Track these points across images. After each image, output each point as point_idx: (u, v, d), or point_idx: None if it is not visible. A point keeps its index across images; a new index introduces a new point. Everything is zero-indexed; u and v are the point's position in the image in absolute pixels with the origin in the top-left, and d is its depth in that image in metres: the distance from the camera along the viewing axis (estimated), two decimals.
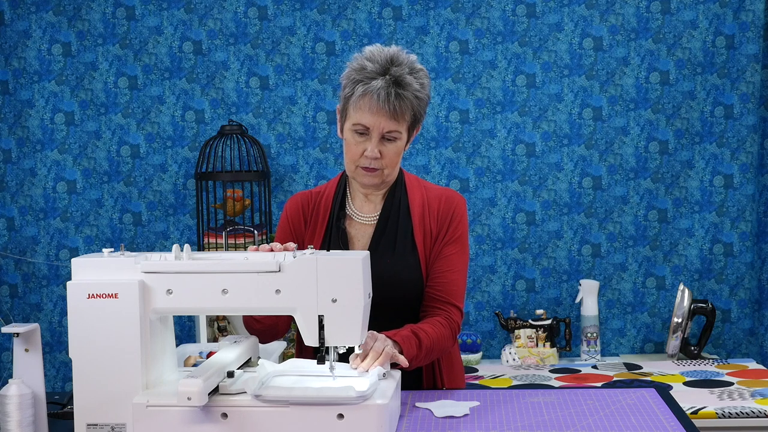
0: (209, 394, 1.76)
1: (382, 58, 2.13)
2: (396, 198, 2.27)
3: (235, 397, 1.78)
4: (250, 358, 2.02)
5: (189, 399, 1.70)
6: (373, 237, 2.24)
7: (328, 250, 2.20)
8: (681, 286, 3.66)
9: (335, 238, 2.24)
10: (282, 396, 1.76)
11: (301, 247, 2.25)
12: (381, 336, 2.07)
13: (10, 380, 1.85)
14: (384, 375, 1.91)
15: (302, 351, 2.28)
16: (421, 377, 2.24)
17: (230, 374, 1.83)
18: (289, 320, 2.17)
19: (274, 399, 1.75)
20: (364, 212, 2.28)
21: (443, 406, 1.99)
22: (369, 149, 2.14)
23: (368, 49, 2.16)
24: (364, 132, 2.14)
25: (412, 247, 2.23)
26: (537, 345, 3.67)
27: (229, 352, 1.94)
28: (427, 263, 2.22)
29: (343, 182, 2.31)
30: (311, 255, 1.83)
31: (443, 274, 2.22)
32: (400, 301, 2.20)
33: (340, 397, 1.74)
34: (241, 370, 1.90)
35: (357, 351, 1.92)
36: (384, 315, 2.14)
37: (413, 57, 2.17)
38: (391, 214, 2.25)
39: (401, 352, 2.05)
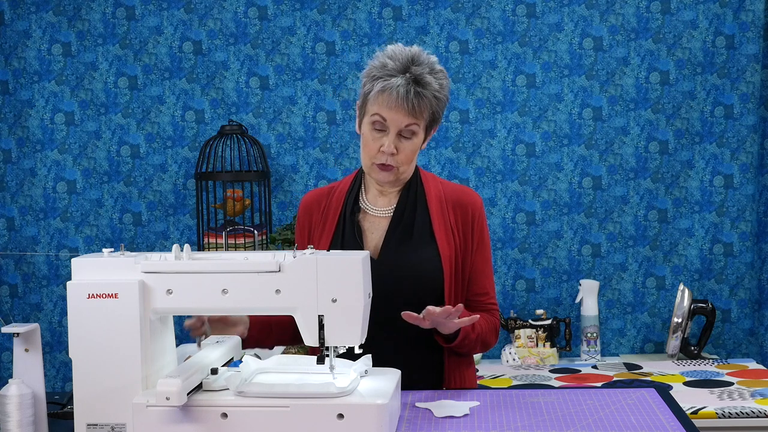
0: (191, 392, 1.77)
1: (404, 57, 2.15)
2: (412, 191, 2.27)
3: (233, 398, 1.78)
4: (232, 358, 2.03)
5: (168, 399, 1.70)
6: (388, 228, 2.24)
7: (340, 244, 2.21)
8: (681, 286, 3.66)
9: (349, 231, 2.24)
10: (264, 392, 1.77)
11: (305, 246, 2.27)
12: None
13: (10, 380, 1.85)
14: (366, 372, 1.91)
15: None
16: (442, 374, 2.25)
17: (214, 371, 1.84)
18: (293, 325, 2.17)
19: (257, 395, 1.76)
20: (378, 206, 2.28)
21: (443, 406, 1.99)
22: (386, 144, 2.15)
23: (390, 48, 2.19)
24: (382, 128, 2.15)
25: (430, 238, 2.23)
26: (537, 345, 3.66)
27: (212, 352, 1.94)
28: (450, 258, 2.22)
29: (359, 178, 2.32)
30: (311, 255, 1.83)
31: (479, 284, 2.28)
32: (415, 292, 2.19)
33: (321, 392, 1.75)
34: (225, 368, 1.91)
35: (357, 351, 1.92)
36: (399, 306, 2.14)
37: (434, 58, 2.19)
38: (408, 206, 2.26)
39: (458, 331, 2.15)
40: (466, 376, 2.31)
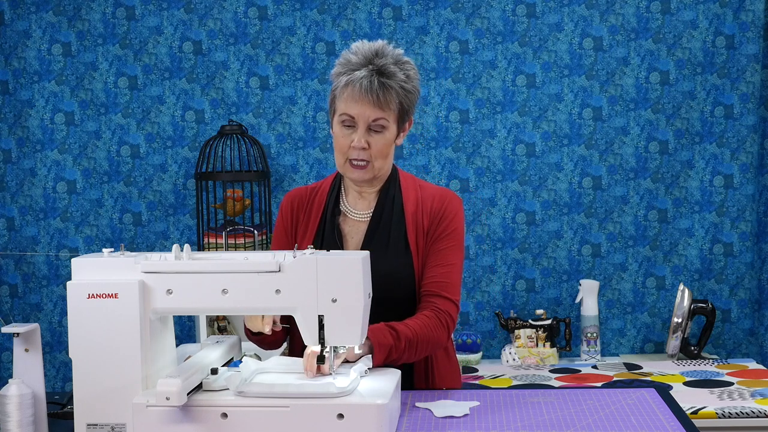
0: (191, 392, 1.76)
1: (366, 51, 2.16)
2: (390, 195, 2.26)
3: (233, 398, 1.78)
4: (232, 358, 2.03)
5: (168, 399, 1.70)
6: (366, 234, 2.24)
7: (320, 247, 2.21)
8: (681, 286, 3.66)
9: (329, 234, 2.24)
10: (264, 392, 1.77)
11: (293, 243, 2.27)
12: None
13: (10, 380, 1.85)
14: (366, 372, 1.91)
15: (292, 352, 2.30)
16: (412, 376, 2.23)
17: (214, 371, 1.84)
18: (285, 332, 2.17)
19: (257, 395, 1.76)
20: (358, 209, 2.28)
21: (443, 406, 1.99)
22: (356, 139, 2.14)
23: (355, 45, 2.19)
24: (350, 124, 2.15)
25: (404, 245, 2.23)
26: (537, 345, 3.66)
27: (212, 352, 1.94)
28: (419, 261, 2.22)
29: (339, 179, 2.32)
30: (311, 255, 1.83)
31: (434, 268, 2.21)
32: (392, 299, 2.19)
33: (321, 392, 1.75)
34: (225, 368, 1.91)
35: (357, 351, 1.92)
36: (377, 313, 2.13)
37: (399, 51, 2.18)
38: (385, 211, 2.25)
39: (372, 346, 2.03)
40: (437, 377, 2.25)
